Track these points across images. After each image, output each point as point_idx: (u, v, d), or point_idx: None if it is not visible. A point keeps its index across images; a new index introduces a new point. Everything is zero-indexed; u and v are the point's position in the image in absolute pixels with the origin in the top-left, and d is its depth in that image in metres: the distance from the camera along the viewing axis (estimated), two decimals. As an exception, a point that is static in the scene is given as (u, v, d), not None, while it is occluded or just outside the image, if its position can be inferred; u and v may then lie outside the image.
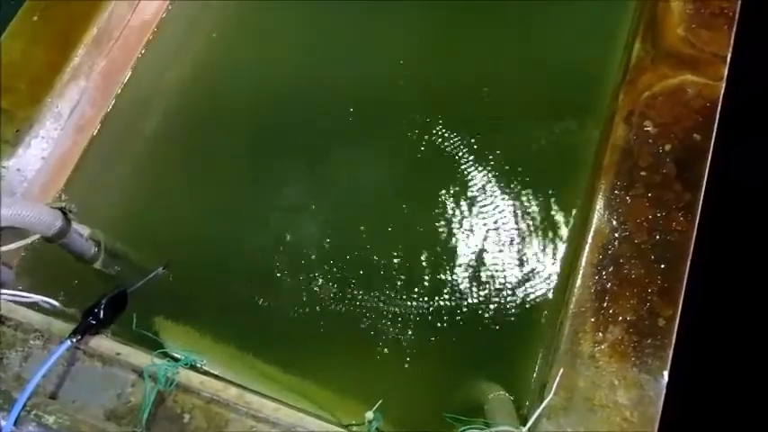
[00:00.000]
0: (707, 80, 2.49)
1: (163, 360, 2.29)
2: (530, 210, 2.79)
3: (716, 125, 2.42)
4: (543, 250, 2.72)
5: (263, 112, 3.15)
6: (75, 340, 2.25)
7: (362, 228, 2.86)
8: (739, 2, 2.58)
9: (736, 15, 2.57)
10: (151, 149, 3.08)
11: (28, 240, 2.39)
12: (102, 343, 2.33)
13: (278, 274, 2.83)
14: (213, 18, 3.28)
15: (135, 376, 2.28)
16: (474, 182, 2.89)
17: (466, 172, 2.91)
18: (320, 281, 2.81)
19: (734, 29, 2.55)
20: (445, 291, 2.74)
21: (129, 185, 2.99)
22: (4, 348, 2.33)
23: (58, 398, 2.22)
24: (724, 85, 2.47)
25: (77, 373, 2.30)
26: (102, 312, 2.36)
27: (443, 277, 2.76)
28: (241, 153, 3.11)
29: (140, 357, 2.31)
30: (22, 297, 2.46)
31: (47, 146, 2.66)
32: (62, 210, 2.54)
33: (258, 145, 3.10)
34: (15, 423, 2.07)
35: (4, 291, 2.42)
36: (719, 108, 2.44)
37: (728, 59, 2.50)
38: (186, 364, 2.31)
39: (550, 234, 2.74)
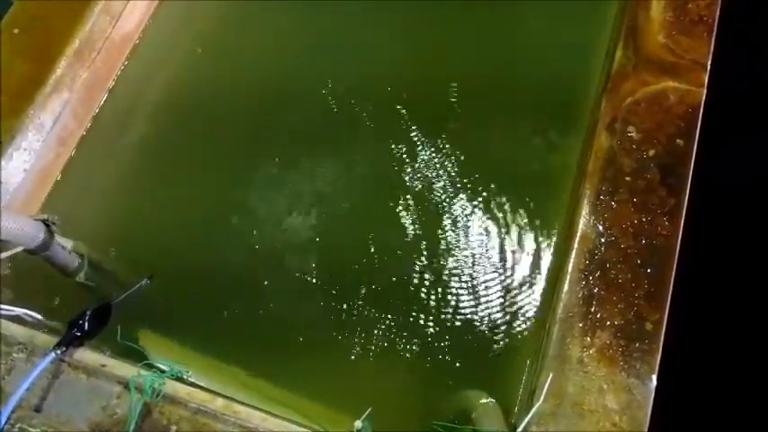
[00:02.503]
0: (688, 86, 2.44)
1: (149, 372, 2.20)
2: (517, 214, 2.73)
3: (698, 130, 2.37)
4: (530, 255, 2.66)
5: (245, 121, 3.06)
6: (59, 352, 2.13)
7: (347, 233, 2.79)
8: (718, 9, 2.55)
9: (716, 22, 2.53)
10: (133, 161, 2.96)
11: (10, 252, 2.28)
12: (87, 355, 2.22)
13: (264, 283, 2.73)
14: (194, 31, 3.19)
15: (120, 388, 2.16)
16: (460, 182, 2.84)
17: (452, 173, 2.85)
18: (305, 287, 2.73)
19: (713, 36, 2.51)
20: (429, 297, 2.66)
21: (112, 197, 2.87)
22: (-14, 362, 2.22)
23: (42, 411, 2.10)
24: (705, 91, 2.43)
25: (62, 385, 2.18)
26: (86, 324, 2.24)
27: (428, 284, 2.68)
28: (224, 163, 3.00)
29: (126, 369, 2.19)
30: (5, 310, 2.35)
31: (29, 158, 2.55)
32: (45, 222, 2.44)
33: (240, 152, 3.01)
34: (-2, 437, 1.97)
35: (-14, 305, 2.32)
36: (701, 113, 2.40)
37: (709, 66, 2.46)
38: (172, 376, 2.21)
39: (536, 239, 2.67)
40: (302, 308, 2.71)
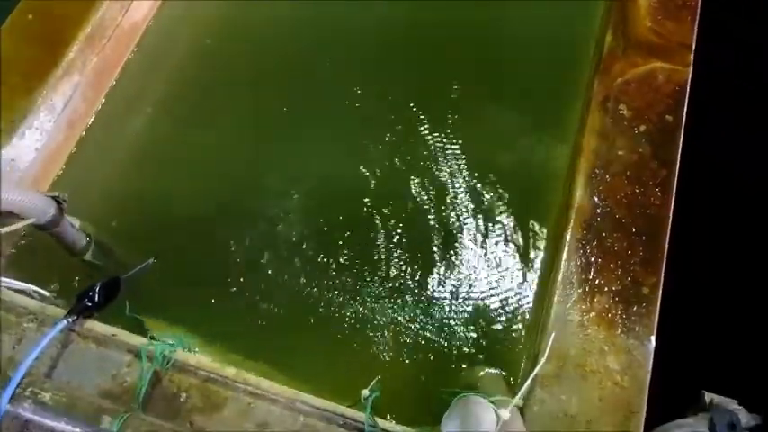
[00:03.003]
0: (675, 66, 2.52)
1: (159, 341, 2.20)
2: (515, 189, 2.79)
3: (686, 107, 2.45)
4: (527, 230, 2.71)
5: (254, 103, 3.11)
6: (70, 320, 2.14)
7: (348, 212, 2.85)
8: (701, -4, 2.65)
9: (699, 6, 2.63)
10: (138, 147, 2.98)
11: (19, 225, 2.28)
12: (96, 326, 2.22)
13: (269, 270, 2.76)
14: (202, 19, 3.26)
15: (130, 357, 2.16)
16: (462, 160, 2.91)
17: (449, 148, 2.93)
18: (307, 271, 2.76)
19: (697, 19, 2.60)
20: (430, 274, 2.71)
21: (117, 180, 2.89)
22: (-3, 331, 2.21)
23: (52, 378, 2.09)
24: (691, 70, 2.52)
25: (71, 354, 2.17)
26: (96, 296, 2.25)
27: (428, 261, 2.73)
28: (234, 144, 3.04)
29: (135, 339, 2.19)
30: (12, 284, 2.35)
31: (40, 137, 2.55)
32: (55, 198, 2.45)
33: (252, 132, 3.07)
34: (10, 401, 1.96)
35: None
36: (688, 91, 2.48)
37: (693, 47, 2.55)
38: (182, 347, 2.22)
39: (534, 214, 2.73)
40: (304, 292, 2.74)
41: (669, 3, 2.65)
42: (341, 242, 2.77)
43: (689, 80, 2.48)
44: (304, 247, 2.78)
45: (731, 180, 2.81)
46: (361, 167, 2.93)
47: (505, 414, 1.88)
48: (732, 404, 1.74)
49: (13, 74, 2.59)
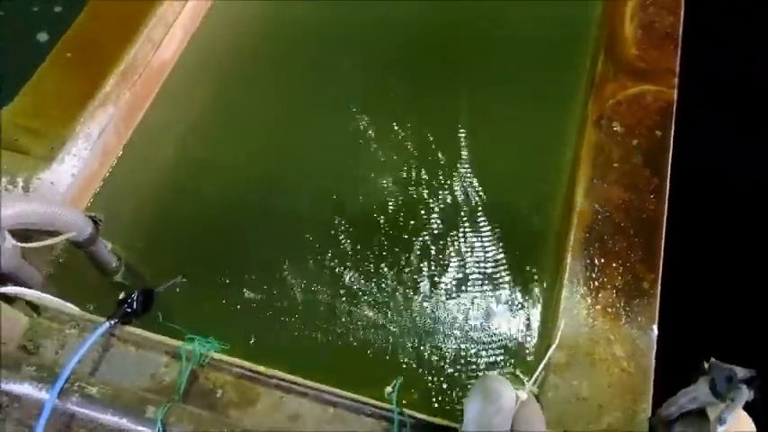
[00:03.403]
0: (662, 88, 2.80)
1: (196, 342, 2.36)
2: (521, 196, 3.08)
3: (673, 123, 2.72)
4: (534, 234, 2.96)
5: (272, 136, 3.42)
6: (112, 322, 2.32)
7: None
8: (681, 26, 2.96)
9: (680, 37, 2.94)
10: (165, 178, 3.24)
11: (63, 237, 2.48)
12: (135, 331, 2.40)
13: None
14: (223, 62, 3.57)
15: (168, 358, 2.33)
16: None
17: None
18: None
19: (679, 47, 2.90)
20: (447, 269, 2.96)
21: (147, 210, 3.13)
22: (41, 338, 2.37)
23: (96, 378, 2.26)
24: (676, 91, 2.80)
25: (113, 357, 2.34)
26: (135, 303, 2.44)
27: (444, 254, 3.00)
28: (252, 182, 3.30)
29: (172, 341, 2.37)
30: (45, 298, 2.52)
31: (77, 164, 2.77)
32: (93, 218, 2.66)
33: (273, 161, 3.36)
34: (58, 396, 2.11)
35: (28, 290, 2.49)
36: (675, 109, 2.75)
37: (677, 71, 2.84)
38: (217, 349, 2.38)
39: (539, 217, 2.97)
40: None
41: (652, 34, 2.96)
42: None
43: (675, 99, 2.76)
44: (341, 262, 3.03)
45: (727, 184, 3.07)
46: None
47: (523, 395, 2.05)
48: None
49: (53, 106, 2.84)
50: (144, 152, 3.16)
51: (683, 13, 2.99)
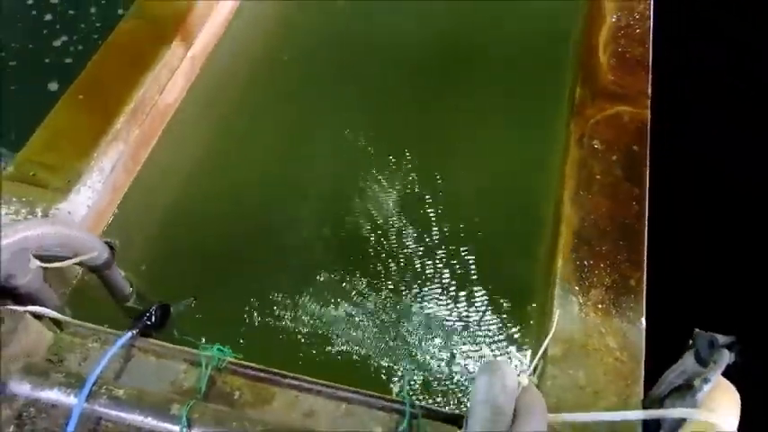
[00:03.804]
0: (636, 109, 3.11)
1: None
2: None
3: (648, 138, 3.01)
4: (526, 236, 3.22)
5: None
6: (135, 332, 2.50)
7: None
8: (650, 54, 3.30)
9: (650, 63, 3.27)
10: (168, 217, 3.48)
11: (84, 257, 2.67)
12: (154, 342, 2.57)
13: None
14: (228, 102, 3.89)
15: (186, 365, 2.49)
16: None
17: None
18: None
19: (650, 72, 3.23)
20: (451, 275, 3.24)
21: (154, 241, 3.35)
22: (65, 352, 2.54)
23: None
24: (649, 111, 3.11)
25: (134, 366, 2.49)
26: (153, 316, 2.63)
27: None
28: (250, 225, 3.56)
29: (191, 350, 2.54)
30: (61, 317, 2.69)
31: (91, 195, 2.98)
32: (109, 244, 2.86)
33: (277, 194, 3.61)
34: (87, 399, 2.27)
35: (51, 311, 2.66)
36: (649, 126, 3.05)
37: (650, 93, 3.16)
38: (232, 356, 2.55)
39: (530, 225, 3.23)
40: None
41: (625, 63, 3.30)
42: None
43: (648, 118, 3.07)
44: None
45: (722, 177, 3.36)
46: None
47: (524, 380, 2.24)
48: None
49: (68, 143, 3.08)
50: (151, 187, 3.40)
51: (650, 44, 3.34)
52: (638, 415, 2.07)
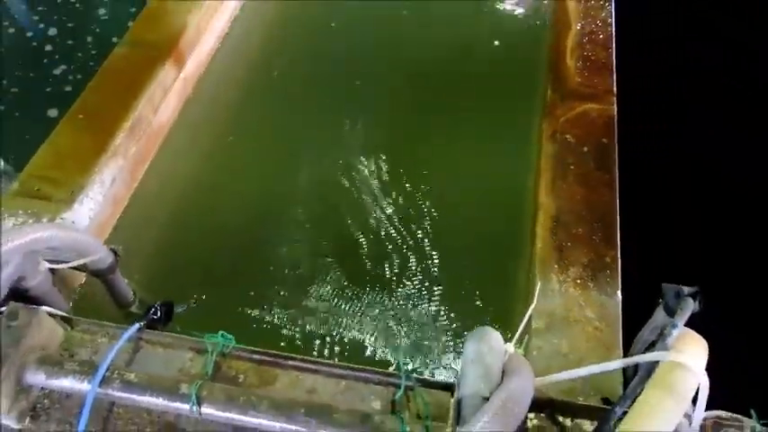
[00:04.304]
0: (603, 106, 3.41)
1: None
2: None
3: (616, 131, 3.30)
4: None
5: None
6: (142, 323, 2.69)
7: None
8: (614, 57, 3.61)
9: (614, 65, 3.58)
10: (164, 232, 3.71)
11: (82, 261, 2.86)
12: (160, 334, 2.76)
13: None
14: (223, 119, 4.17)
15: (192, 353, 2.68)
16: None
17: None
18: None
19: (614, 73, 3.54)
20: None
21: (151, 251, 3.57)
22: (75, 347, 2.72)
23: (129, 372, 2.61)
24: (615, 106, 3.40)
25: (142, 357, 2.67)
26: (158, 311, 2.83)
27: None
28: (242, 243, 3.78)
29: (196, 340, 2.73)
30: (71, 316, 2.86)
31: (93, 207, 3.20)
32: (113, 250, 3.07)
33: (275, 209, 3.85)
34: (100, 384, 2.45)
35: (56, 310, 2.85)
36: (616, 120, 3.34)
37: (615, 91, 3.46)
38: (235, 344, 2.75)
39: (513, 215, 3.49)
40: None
41: (591, 65, 3.61)
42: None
43: (615, 113, 3.36)
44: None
45: (719, 177, 3.66)
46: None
47: (510, 348, 2.46)
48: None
49: (70, 159, 3.32)
50: (147, 203, 3.63)
51: (614, 48, 3.67)
52: (616, 364, 2.28)
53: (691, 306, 2.21)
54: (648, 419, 2.05)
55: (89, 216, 3.21)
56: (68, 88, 4.33)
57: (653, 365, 2.19)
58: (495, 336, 2.37)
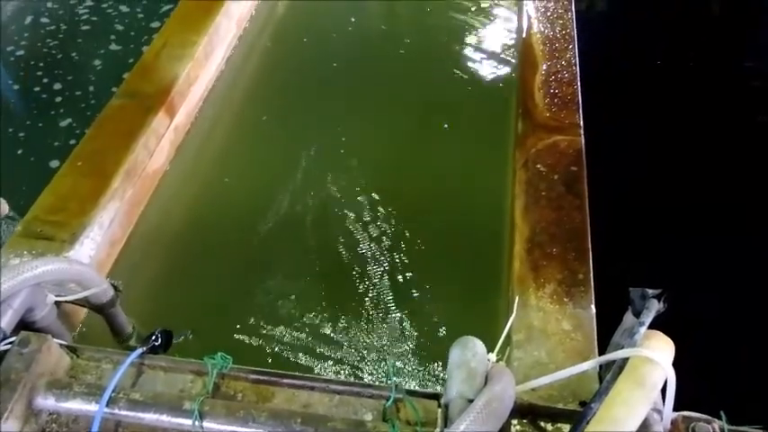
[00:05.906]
0: (571, 137, 3.71)
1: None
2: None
3: (584, 159, 3.59)
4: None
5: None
6: (145, 348, 2.88)
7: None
8: (580, 93, 3.94)
9: (580, 101, 3.90)
10: (159, 276, 3.92)
11: (92, 291, 3.07)
12: (161, 358, 2.95)
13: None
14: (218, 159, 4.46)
15: (192, 375, 2.87)
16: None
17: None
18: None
19: (580, 108, 3.86)
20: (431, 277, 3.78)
21: (146, 294, 3.79)
22: (80, 374, 2.90)
23: (133, 395, 2.79)
24: (582, 138, 3.70)
25: (144, 380, 2.85)
26: (158, 338, 3.02)
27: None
28: (240, 270, 4.00)
29: (195, 362, 2.91)
30: (76, 345, 3.05)
31: (93, 247, 3.43)
32: (113, 285, 3.28)
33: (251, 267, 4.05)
34: (107, 404, 2.62)
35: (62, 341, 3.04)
36: (584, 150, 3.64)
37: (582, 124, 3.77)
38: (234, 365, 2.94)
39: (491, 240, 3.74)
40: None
41: (558, 100, 3.94)
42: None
43: (582, 144, 3.67)
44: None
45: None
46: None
47: (492, 357, 2.68)
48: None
49: (71, 202, 3.55)
50: (144, 243, 3.86)
51: (578, 84, 4.00)
52: (590, 364, 2.49)
53: (656, 306, 2.44)
54: (620, 407, 2.25)
55: (89, 255, 3.42)
56: (72, 141, 4.74)
57: (623, 362, 2.41)
58: (478, 343, 2.58)
